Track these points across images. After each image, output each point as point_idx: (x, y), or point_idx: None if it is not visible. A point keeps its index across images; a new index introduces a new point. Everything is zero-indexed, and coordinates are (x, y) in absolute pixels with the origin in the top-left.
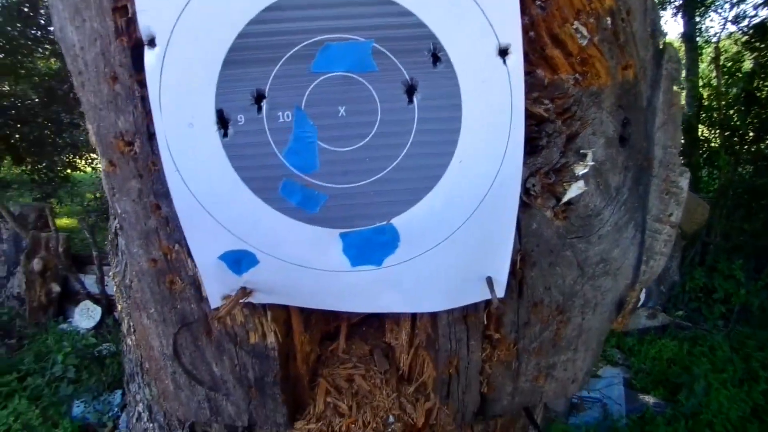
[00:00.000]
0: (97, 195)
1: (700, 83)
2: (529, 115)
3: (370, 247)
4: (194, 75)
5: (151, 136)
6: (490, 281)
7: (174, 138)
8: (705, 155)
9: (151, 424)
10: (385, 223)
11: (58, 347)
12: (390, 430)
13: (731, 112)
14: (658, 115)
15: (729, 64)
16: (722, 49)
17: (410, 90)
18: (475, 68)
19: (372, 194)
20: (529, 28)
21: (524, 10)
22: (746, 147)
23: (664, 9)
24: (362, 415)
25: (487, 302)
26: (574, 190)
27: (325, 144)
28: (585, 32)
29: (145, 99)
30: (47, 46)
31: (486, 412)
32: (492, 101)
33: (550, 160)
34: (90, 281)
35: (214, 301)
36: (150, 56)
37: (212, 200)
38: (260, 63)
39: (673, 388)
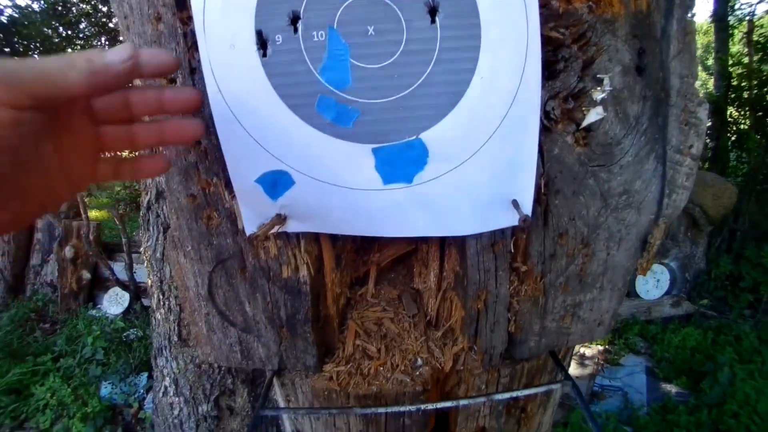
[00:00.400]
0: (126, 185)
1: (730, 62)
2: (546, 41)
3: (401, 162)
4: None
5: (193, 71)
6: (515, 203)
7: (217, 60)
8: (733, 137)
9: (177, 398)
10: (414, 137)
11: (88, 331)
12: (418, 372)
13: (765, 90)
14: (672, 44)
15: (764, 41)
16: (757, 24)
17: (432, 11)
18: None
19: (401, 109)
20: None
21: None
22: None
23: None
24: (391, 358)
25: (514, 230)
26: (593, 115)
27: (357, 61)
28: None
29: (186, 36)
30: (78, 43)
31: (513, 355)
32: (508, 20)
33: (568, 84)
34: (119, 268)
35: (250, 230)
36: None
37: (252, 120)
38: None
39: (696, 377)
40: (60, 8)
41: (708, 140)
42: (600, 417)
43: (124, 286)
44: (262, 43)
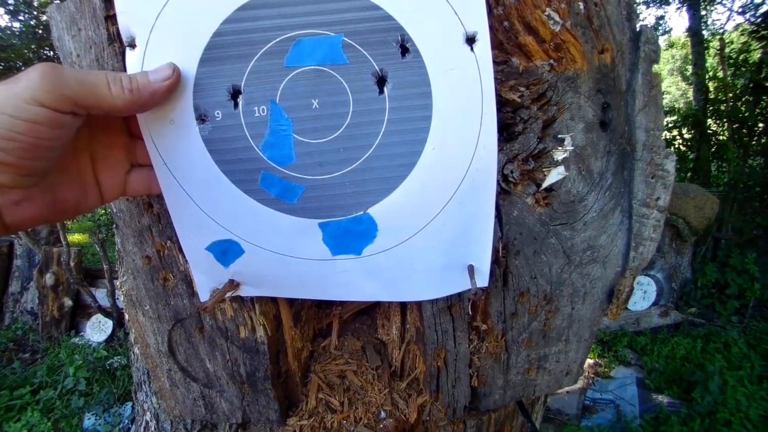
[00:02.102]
0: (107, 210)
1: (707, 76)
2: (504, 102)
3: (349, 236)
4: None
5: None
6: (471, 270)
7: (158, 134)
8: (713, 149)
9: None
10: (362, 213)
11: (69, 360)
12: (382, 425)
13: (739, 104)
14: (638, 97)
15: (735, 56)
16: (728, 41)
17: (380, 81)
18: (443, 57)
19: (347, 184)
20: (503, 17)
21: (498, 0)
22: (755, 139)
23: (668, 4)
24: (354, 411)
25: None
26: (554, 175)
27: (300, 136)
28: (557, 18)
29: None
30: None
31: (478, 406)
32: (461, 88)
33: (528, 146)
34: (101, 295)
35: (204, 294)
36: (131, 57)
37: (198, 192)
38: (235, 60)
39: (687, 387)
40: (40, 31)
41: (689, 152)
42: (593, 431)
43: (106, 313)
44: (201, 118)
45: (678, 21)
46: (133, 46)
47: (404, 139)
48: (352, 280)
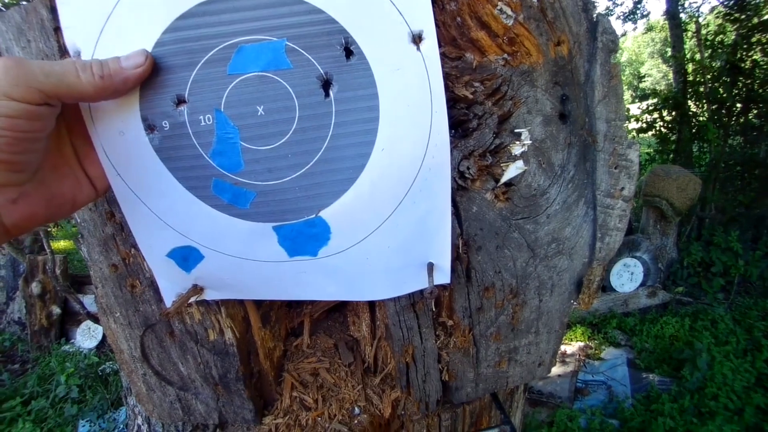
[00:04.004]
0: None
1: (686, 59)
2: (457, 99)
3: (303, 238)
4: None
5: None
6: (430, 267)
7: (110, 147)
8: (694, 130)
9: None
10: (313, 216)
11: (61, 368)
12: (356, 421)
13: (717, 85)
14: (597, 88)
15: (711, 38)
16: (704, 24)
17: (326, 84)
18: (389, 57)
19: (297, 189)
20: (456, 13)
21: None
22: (734, 119)
23: None
24: (328, 408)
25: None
26: (513, 170)
27: (248, 144)
28: (509, 11)
29: None
30: None
31: (452, 399)
32: (409, 88)
33: (483, 141)
34: (89, 301)
35: (169, 300)
36: None
37: (154, 200)
38: (178, 69)
39: (677, 365)
40: None
41: (671, 134)
42: (585, 413)
43: (95, 319)
44: (150, 128)
45: (656, 5)
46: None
47: (352, 141)
48: (311, 281)
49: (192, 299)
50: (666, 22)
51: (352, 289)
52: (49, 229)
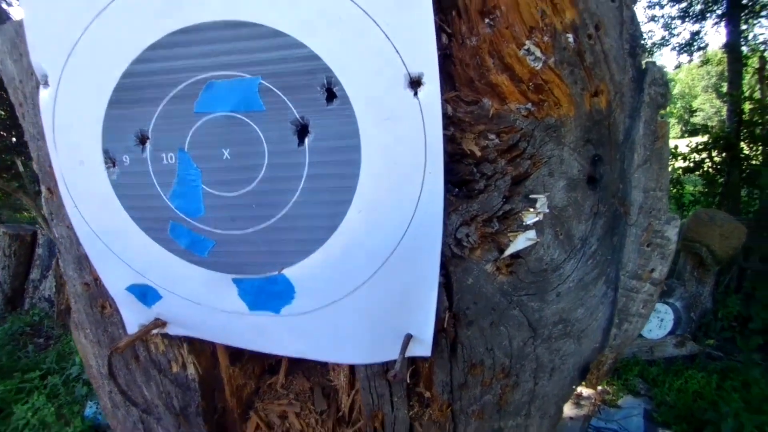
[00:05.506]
0: None
1: (743, 96)
2: (464, 154)
3: (264, 295)
4: (83, 114)
5: None
6: (407, 340)
7: (69, 176)
8: (745, 174)
9: None
10: (276, 273)
11: (77, 349)
12: None
13: None
14: (637, 150)
15: None
16: None
17: (302, 130)
18: (378, 103)
19: (260, 242)
20: (476, 50)
21: (471, 29)
22: None
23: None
24: None
25: (414, 359)
26: (522, 241)
27: (210, 188)
28: (539, 53)
29: None
30: None
31: None
32: (399, 142)
33: (490, 206)
34: None
35: (131, 328)
36: (44, 95)
37: (109, 237)
38: (144, 103)
39: (698, 425)
40: None
41: (719, 177)
42: None
43: None
44: (110, 162)
45: (714, 37)
46: (47, 84)
47: (325, 199)
48: (275, 337)
49: (154, 331)
50: (724, 55)
51: (320, 350)
52: None
